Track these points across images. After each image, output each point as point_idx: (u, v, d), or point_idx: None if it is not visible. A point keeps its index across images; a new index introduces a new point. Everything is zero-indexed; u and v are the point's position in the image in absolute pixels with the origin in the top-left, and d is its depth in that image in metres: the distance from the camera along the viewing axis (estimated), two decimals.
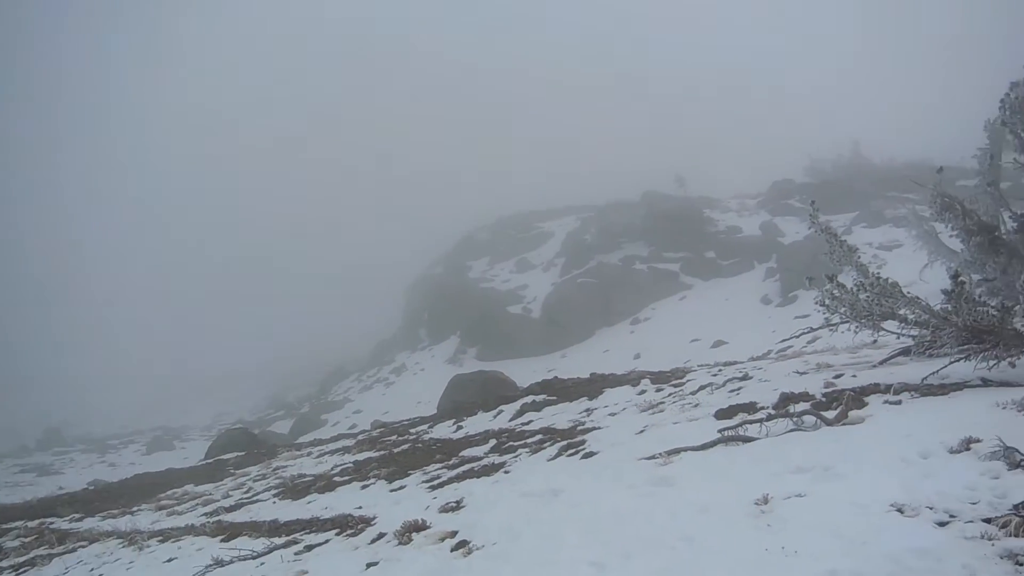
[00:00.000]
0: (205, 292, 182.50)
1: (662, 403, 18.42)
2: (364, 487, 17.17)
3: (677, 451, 12.02)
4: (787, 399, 14.40)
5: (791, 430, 11.92)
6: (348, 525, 13.39)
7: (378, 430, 32.40)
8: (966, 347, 13.46)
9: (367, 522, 13.27)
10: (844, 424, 11.70)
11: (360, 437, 30.35)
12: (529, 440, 17.63)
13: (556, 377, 31.41)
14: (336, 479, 19.27)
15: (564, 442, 16.05)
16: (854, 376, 15.75)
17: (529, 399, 24.53)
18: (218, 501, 21.37)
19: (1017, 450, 8.76)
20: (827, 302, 14.35)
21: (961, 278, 13.62)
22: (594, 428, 16.99)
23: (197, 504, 21.59)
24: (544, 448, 16.16)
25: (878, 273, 14.38)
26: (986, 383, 13.42)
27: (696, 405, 16.88)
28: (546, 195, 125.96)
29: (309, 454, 28.11)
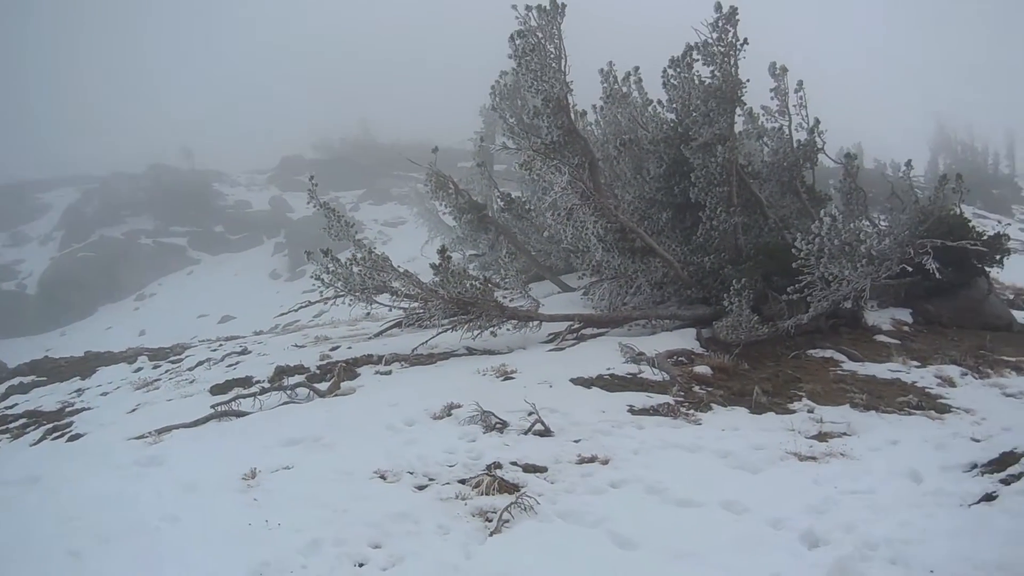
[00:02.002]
0: None
1: (158, 380, 17.86)
2: None
3: (168, 429, 11.68)
4: (282, 372, 14.57)
5: (285, 403, 12.04)
6: None
7: None
8: (454, 318, 14.41)
9: None
10: (336, 395, 12.04)
11: None
12: (11, 425, 16.35)
13: (48, 356, 29.33)
14: None
15: (50, 425, 15.08)
16: (350, 348, 16.30)
17: (16, 381, 22.73)
18: None
19: (493, 413, 9.53)
20: (323, 276, 14.63)
21: (449, 253, 14.52)
22: (84, 409, 16.09)
23: None
24: (27, 432, 15.07)
25: (372, 248, 14.93)
26: (471, 352, 14.49)
27: (192, 381, 16.54)
28: (42, 163, 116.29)
29: None
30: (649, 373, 12.47)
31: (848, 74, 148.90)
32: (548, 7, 16.19)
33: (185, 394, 15.10)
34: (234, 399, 12.51)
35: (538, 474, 8.14)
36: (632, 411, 10.57)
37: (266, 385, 13.66)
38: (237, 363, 17.63)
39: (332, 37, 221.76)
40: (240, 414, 11.77)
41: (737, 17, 16.48)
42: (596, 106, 22.28)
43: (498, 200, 27.43)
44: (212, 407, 12.33)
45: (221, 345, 22.77)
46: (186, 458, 10.03)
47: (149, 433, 11.55)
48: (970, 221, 19.41)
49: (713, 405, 11.28)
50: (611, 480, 8.02)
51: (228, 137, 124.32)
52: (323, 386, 12.58)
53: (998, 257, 19.20)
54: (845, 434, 10.26)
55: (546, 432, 9.37)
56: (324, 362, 15.15)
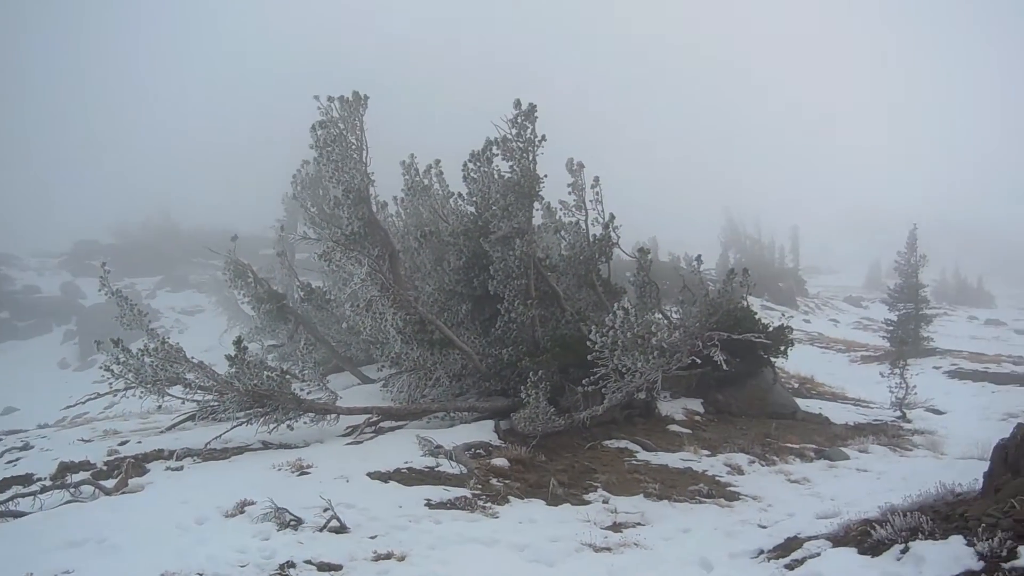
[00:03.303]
0: None
1: None
2: None
3: None
4: (66, 468, 13.90)
5: (68, 502, 11.49)
6: None
7: None
8: (249, 411, 14.13)
9: None
10: (124, 493, 11.57)
11: None
12: None
13: None
14: None
15: None
16: (140, 443, 15.73)
17: None
18: None
19: (287, 510, 9.37)
20: (113, 367, 14.17)
21: (246, 343, 14.30)
22: None
23: None
24: None
25: (165, 338, 14.57)
26: (266, 446, 14.23)
27: None
28: None
29: None
30: (447, 466, 12.54)
31: (647, 170, 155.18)
32: (351, 99, 16.39)
33: None
34: (11, 499, 11.87)
35: (333, 572, 8.02)
36: (430, 505, 10.59)
37: (48, 483, 12.99)
38: (17, 459, 16.71)
39: (135, 120, 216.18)
40: (17, 514, 11.15)
41: (536, 114, 17.06)
42: (398, 197, 22.54)
43: (299, 290, 27.24)
44: None
45: (1, 440, 21.59)
46: None
47: None
48: (756, 314, 20.49)
49: (510, 498, 11.42)
50: None
51: (19, 219, 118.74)
52: (110, 483, 12.08)
53: (782, 348, 20.29)
54: (639, 524, 10.58)
55: (342, 528, 9.27)
56: (112, 457, 14.54)
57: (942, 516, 7.69)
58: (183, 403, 15.19)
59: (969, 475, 9.10)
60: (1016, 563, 6.07)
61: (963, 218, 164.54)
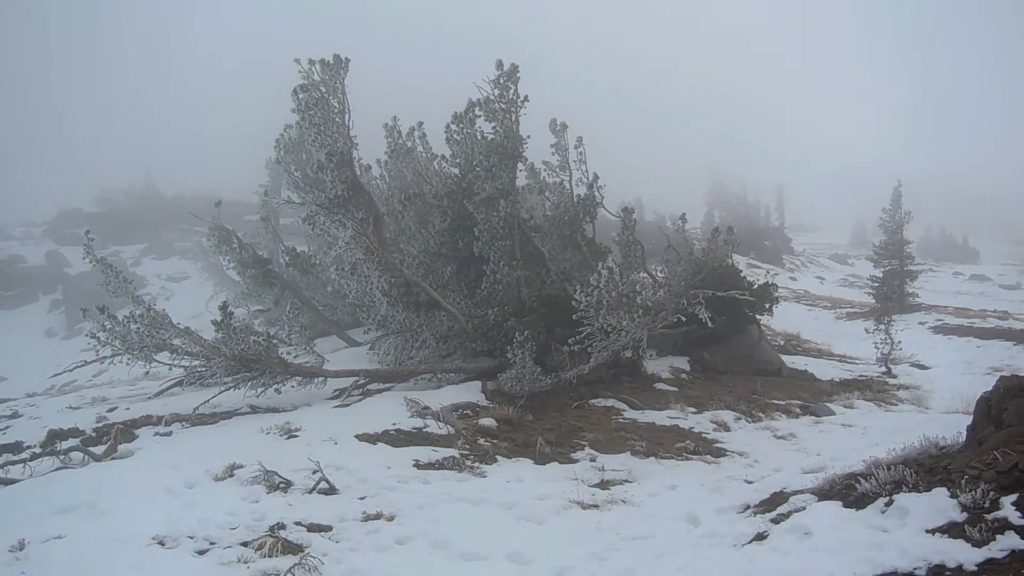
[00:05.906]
0: None
1: None
2: None
3: None
4: (55, 436, 13.88)
5: (58, 468, 11.49)
6: None
7: None
8: (237, 376, 14.12)
9: None
10: (114, 459, 11.57)
11: None
12: None
13: None
14: None
15: None
16: (128, 409, 15.73)
17: None
18: None
19: (276, 473, 9.39)
20: (99, 335, 14.14)
21: (232, 309, 14.28)
22: None
23: None
24: None
25: (151, 305, 14.55)
26: (254, 410, 14.24)
27: None
28: None
29: None
30: (435, 427, 12.59)
31: (631, 129, 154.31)
32: (331, 62, 16.23)
33: None
34: (2, 466, 11.86)
35: (323, 533, 8.06)
36: (418, 466, 10.64)
37: (37, 450, 12.97)
38: (7, 428, 16.71)
39: (115, 83, 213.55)
40: (8, 482, 11.15)
41: (518, 75, 16.99)
42: (381, 160, 22.41)
43: (284, 255, 27.14)
44: None
45: None
46: None
47: None
48: (741, 272, 20.55)
49: (498, 457, 11.49)
50: (397, 536, 8.03)
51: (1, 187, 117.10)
52: (99, 449, 12.06)
53: (767, 306, 20.39)
54: (626, 481, 10.67)
55: (331, 490, 9.31)
56: (100, 424, 14.54)
57: (926, 469, 7.78)
58: (170, 369, 15.19)
59: (953, 428, 9.18)
60: (998, 514, 6.14)
61: (949, 174, 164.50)
